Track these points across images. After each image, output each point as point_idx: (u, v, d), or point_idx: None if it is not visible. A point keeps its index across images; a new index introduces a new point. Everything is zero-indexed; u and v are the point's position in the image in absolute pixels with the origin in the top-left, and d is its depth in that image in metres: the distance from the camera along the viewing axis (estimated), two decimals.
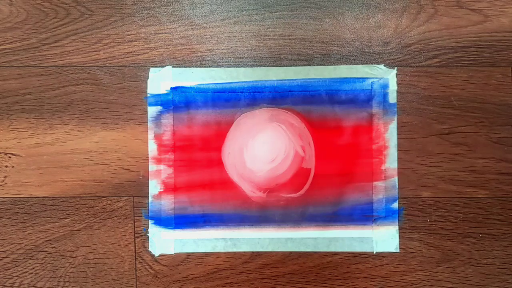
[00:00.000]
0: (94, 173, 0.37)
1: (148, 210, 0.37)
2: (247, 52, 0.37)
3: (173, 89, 0.37)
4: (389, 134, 0.37)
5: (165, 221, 0.37)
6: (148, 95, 0.37)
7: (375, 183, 0.37)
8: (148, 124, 0.37)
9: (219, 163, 0.37)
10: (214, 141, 0.37)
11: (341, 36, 0.37)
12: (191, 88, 0.37)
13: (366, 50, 0.37)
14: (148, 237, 0.37)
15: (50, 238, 0.37)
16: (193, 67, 0.37)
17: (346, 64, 0.37)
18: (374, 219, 0.37)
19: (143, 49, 0.37)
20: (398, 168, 0.37)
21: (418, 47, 0.37)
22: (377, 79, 0.37)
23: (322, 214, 0.37)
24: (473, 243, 0.36)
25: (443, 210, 0.36)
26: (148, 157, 0.37)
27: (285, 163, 0.36)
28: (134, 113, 0.37)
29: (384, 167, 0.37)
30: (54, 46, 0.37)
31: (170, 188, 0.37)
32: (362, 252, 0.36)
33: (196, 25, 0.37)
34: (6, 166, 0.37)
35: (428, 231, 0.36)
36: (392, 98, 0.37)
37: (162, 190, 0.37)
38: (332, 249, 0.36)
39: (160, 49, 0.37)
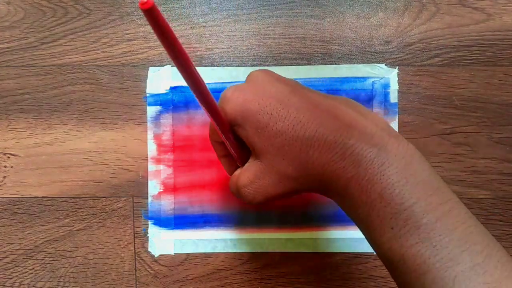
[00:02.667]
0: (93, 173, 0.37)
1: (148, 210, 0.37)
2: (247, 51, 0.37)
3: (173, 88, 0.37)
4: None
5: (164, 222, 0.37)
6: (147, 94, 0.37)
7: None
8: (148, 124, 0.37)
9: (219, 163, 0.37)
10: None
11: (342, 35, 0.37)
12: None
13: (367, 49, 0.37)
14: (147, 237, 0.37)
15: (49, 238, 0.37)
16: None
17: (347, 63, 0.37)
18: None
19: (142, 48, 0.37)
20: None
21: (420, 46, 0.36)
22: (378, 79, 0.36)
23: (322, 214, 0.36)
24: None
25: None
26: (147, 157, 0.37)
27: None
28: (133, 113, 0.37)
29: None
30: (52, 46, 0.37)
31: (169, 188, 0.37)
32: (362, 252, 0.36)
33: (195, 24, 0.37)
34: (5, 167, 0.37)
35: None
36: (393, 97, 0.36)
37: (161, 190, 0.37)
38: (332, 249, 0.36)
39: (159, 48, 0.37)
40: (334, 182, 0.22)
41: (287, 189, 0.24)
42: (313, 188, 0.24)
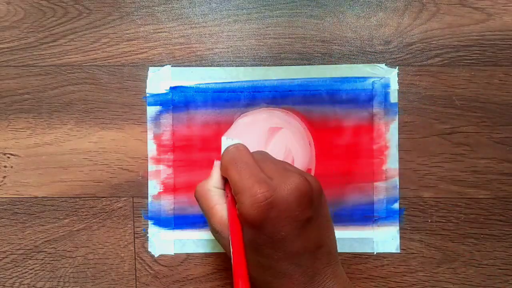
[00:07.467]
0: (93, 174, 0.37)
1: (148, 210, 0.37)
2: (247, 51, 0.37)
3: (172, 88, 0.37)
4: (390, 134, 0.36)
5: (164, 222, 0.37)
6: (147, 94, 0.37)
7: (375, 183, 0.36)
8: (147, 124, 0.37)
9: None
10: (214, 141, 0.37)
11: (342, 34, 0.37)
12: (190, 87, 0.37)
13: (367, 49, 0.37)
14: (147, 237, 0.37)
15: (49, 238, 0.37)
16: (193, 66, 0.37)
17: (347, 63, 0.37)
18: (375, 219, 0.36)
19: (142, 48, 0.37)
20: (399, 169, 0.36)
21: (420, 46, 0.36)
22: (378, 79, 0.36)
23: None
24: (474, 244, 0.36)
25: (444, 210, 0.36)
26: (147, 157, 0.37)
27: None
28: (133, 113, 0.37)
29: (385, 167, 0.36)
30: (52, 45, 0.37)
31: (169, 188, 0.37)
32: (362, 252, 0.36)
33: (195, 24, 0.37)
34: (5, 167, 0.37)
35: (429, 232, 0.36)
36: (394, 97, 0.36)
37: (161, 190, 0.37)
38: None
39: (159, 48, 0.37)
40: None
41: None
42: None
